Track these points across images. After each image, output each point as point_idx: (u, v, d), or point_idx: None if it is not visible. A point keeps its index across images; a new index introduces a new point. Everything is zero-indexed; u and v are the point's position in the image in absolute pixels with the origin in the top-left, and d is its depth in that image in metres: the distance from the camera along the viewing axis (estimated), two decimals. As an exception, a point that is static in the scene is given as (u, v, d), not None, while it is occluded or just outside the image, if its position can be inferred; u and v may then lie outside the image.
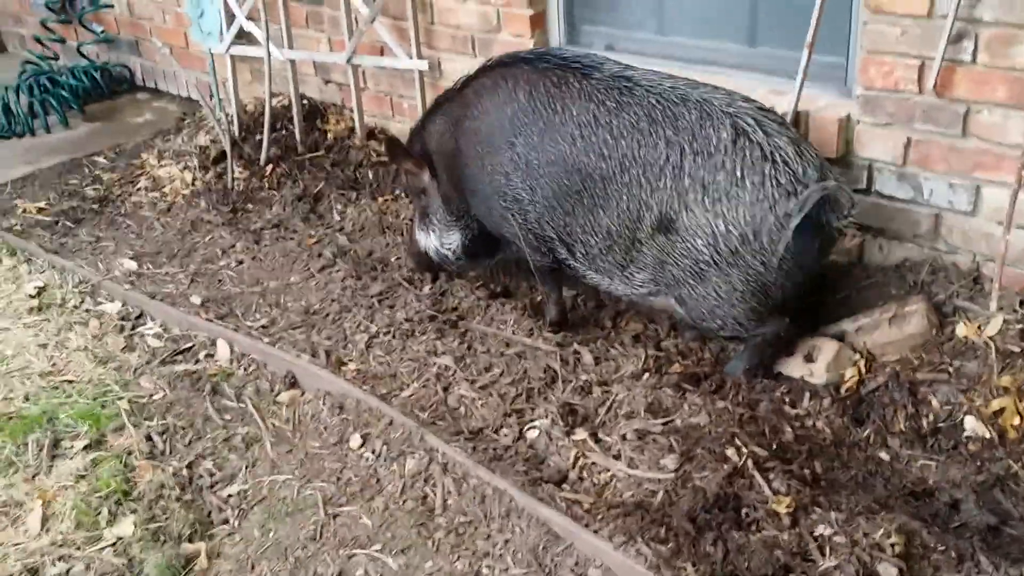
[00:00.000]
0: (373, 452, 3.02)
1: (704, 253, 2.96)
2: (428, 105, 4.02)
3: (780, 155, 2.85)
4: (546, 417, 3.04)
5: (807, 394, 3.04)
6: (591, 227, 3.18)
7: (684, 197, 2.94)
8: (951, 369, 2.95)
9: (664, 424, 2.91)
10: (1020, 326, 2.95)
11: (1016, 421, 2.76)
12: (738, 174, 2.87)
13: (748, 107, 2.96)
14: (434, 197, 3.69)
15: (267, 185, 4.74)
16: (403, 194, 4.37)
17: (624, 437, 2.89)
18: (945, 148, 3.15)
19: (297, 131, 4.93)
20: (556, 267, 3.44)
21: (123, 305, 3.89)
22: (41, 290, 4.01)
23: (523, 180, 3.28)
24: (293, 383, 3.37)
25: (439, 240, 3.73)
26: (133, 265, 4.19)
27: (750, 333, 3.11)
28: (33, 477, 3.04)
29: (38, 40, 6.46)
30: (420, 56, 4.49)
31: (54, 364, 3.55)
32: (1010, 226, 2.98)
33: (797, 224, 2.81)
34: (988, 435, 2.77)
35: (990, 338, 2.94)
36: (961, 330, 3.01)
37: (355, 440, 3.07)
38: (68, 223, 4.62)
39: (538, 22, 4.13)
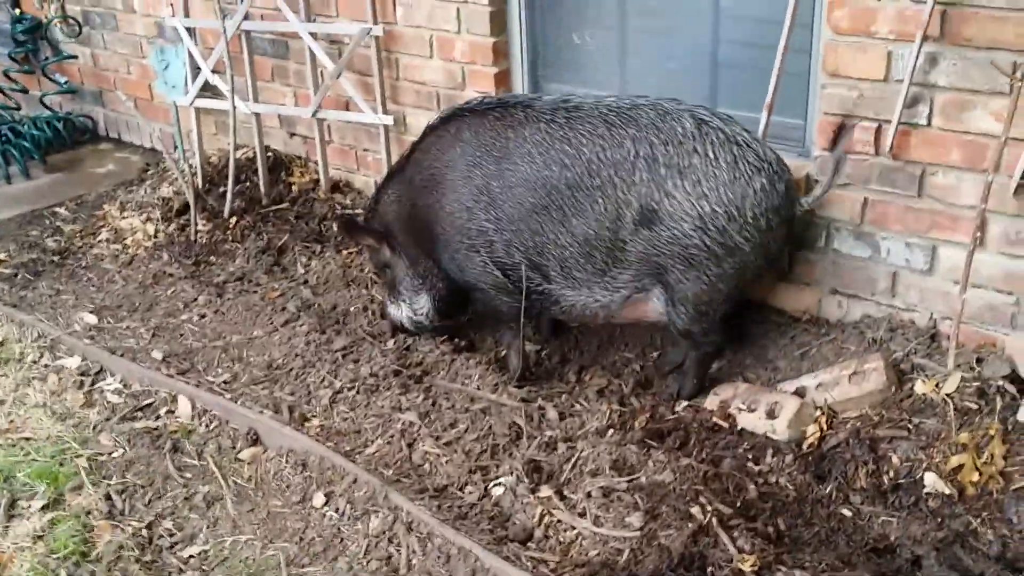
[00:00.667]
0: (337, 511, 2.99)
1: (693, 237, 3.03)
2: (390, 162, 4.09)
3: (740, 138, 3.04)
4: (511, 474, 3.03)
5: (770, 450, 3.07)
6: (565, 239, 3.21)
7: (663, 186, 3.03)
8: (911, 426, 2.99)
9: (629, 481, 2.92)
10: (977, 384, 3.00)
11: (975, 477, 2.79)
12: (711, 156, 3.00)
13: (694, 105, 3.13)
14: (398, 267, 3.72)
15: (231, 237, 4.72)
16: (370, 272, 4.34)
17: (589, 495, 2.89)
18: (902, 208, 3.23)
19: (262, 183, 4.93)
20: (520, 307, 3.44)
21: (83, 360, 3.84)
22: (-1, 344, 3.95)
23: (485, 211, 3.32)
24: (255, 440, 3.34)
25: (410, 309, 3.74)
26: (93, 319, 4.15)
27: (710, 334, 3.26)
28: (-11, 538, 2.98)
29: (0, 90, 6.43)
30: (386, 111, 4.53)
31: (12, 421, 3.49)
32: (966, 285, 3.05)
33: (775, 204, 3.01)
34: (948, 491, 2.81)
35: (948, 395, 2.99)
36: (920, 387, 3.07)
37: (318, 498, 3.04)
38: (28, 275, 4.57)
39: (502, 79, 4.19)
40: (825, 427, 3.11)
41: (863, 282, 3.41)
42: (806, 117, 3.45)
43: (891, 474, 2.93)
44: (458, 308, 3.78)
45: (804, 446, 3.08)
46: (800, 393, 3.22)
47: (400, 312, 3.78)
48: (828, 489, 2.93)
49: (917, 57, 2.98)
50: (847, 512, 2.86)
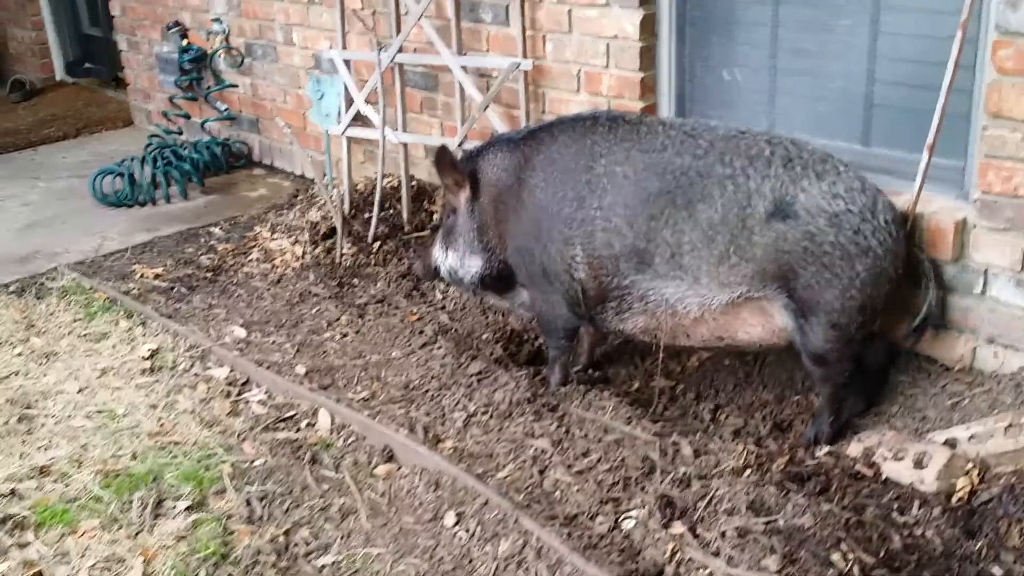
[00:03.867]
0: (467, 531, 3.00)
1: (828, 233, 3.02)
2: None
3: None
4: (643, 507, 2.99)
5: (916, 502, 2.93)
6: (685, 224, 3.20)
7: (799, 182, 3.07)
8: (1070, 485, 2.82)
9: (766, 523, 2.83)
10: None
11: None
12: (840, 168, 3.13)
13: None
14: (465, 219, 3.72)
15: (373, 261, 4.86)
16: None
17: (724, 534, 2.82)
18: (1066, 256, 3.08)
19: (404, 211, 5.06)
20: (578, 324, 3.60)
21: (231, 371, 4.00)
22: (154, 352, 4.14)
23: (600, 198, 3.33)
24: (390, 457, 3.40)
25: (459, 261, 3.76)
26: (242, 333, 4.32)
27: (844, 360, 3.21)
28: (136, 535, 3.09)
29: (165, 115, 6.82)
30: (530, 143, 4.59)
31: (162, 425, 3.65)
32: None
33: (899, 218, 3.15)
34: (1110, 558, 2.63)
35: (1113, 456, 2.82)
36: (1082, 445, 2.89)
37: (450, 518, 3.06)
38: (183, 289, 4.80)
39: (649, 113, 4.20)
40: (977, 481, 2.96)
41: (1022, 332, 3.25)
42: (966, 158, 3.33)
43: (1047, 535, 2.76)
44: (496, 289, 3.82)
45: (953, 499, 2.93)
46: (951, 444, 3.07)
47: (446, 258, 3.81)
48: (978, 545, 2.78)
49: (1091, 98, 2.85)
50: (997, 571, 2.70)
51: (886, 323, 3.43)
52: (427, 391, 3.76)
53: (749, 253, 3.13)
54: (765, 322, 3.26)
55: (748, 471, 3.12)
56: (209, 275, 4.98)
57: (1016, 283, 3.21)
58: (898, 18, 3.50)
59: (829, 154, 3.19)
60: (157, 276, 4.95)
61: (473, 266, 3.74)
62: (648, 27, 4.09)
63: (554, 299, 3.54)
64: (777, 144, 3.18)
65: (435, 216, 5.07)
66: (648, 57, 4.13)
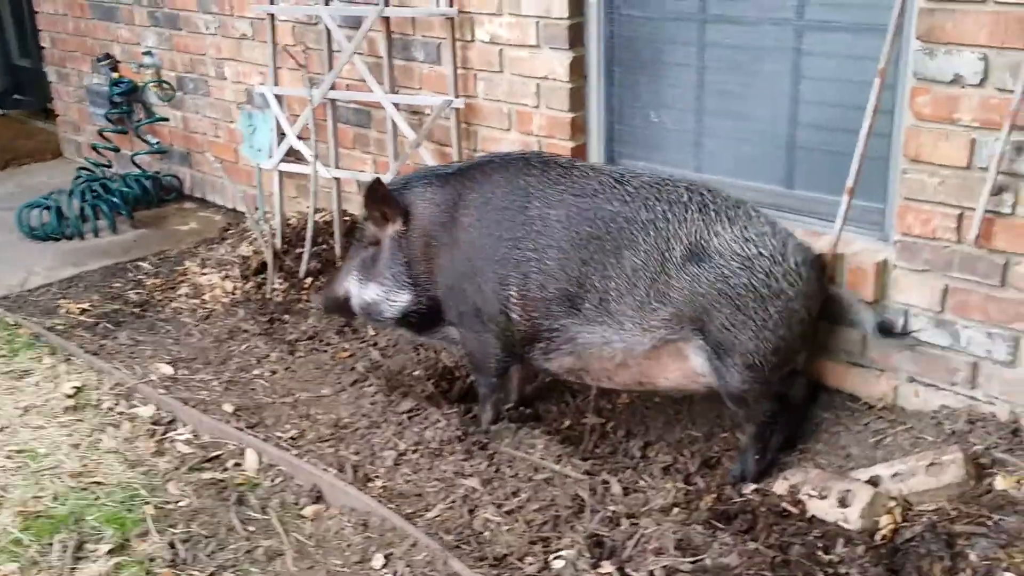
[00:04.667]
0: (395, 574, 2.97)
1: (741, 276, 3.09)
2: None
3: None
4: (572, 547, 2.99)
5: (841, 540, 2.96)
6: (613, 269, 3.26)
7: (713, 226, 3.17)
8: (990, 523, 2.87)
9: (693, 563, 2.84)
10: (1061, 482, 2.90)
11: (1057, 580, 2.68)
12: (752, 213, 3.25)
13: None
14: (393, 253, 3.66)
15: (305, 297, 4.81)
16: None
17: (652, 573, 2.83)
18: (983, 297, 3.16)
19: (337, 246, 5.03)
20: (509, 363, 3.62)
21: (156, 409, 3.92)
22: (78, 390, 4.05)
23: (535, 240, 3.37)
24: (319, 497, 3.36)
25: (385, 295, 3.68)
26: (169, 370, 4.23)
27: (763, 400, 3.26)
28: (55, 579, 3.02)
29: (95, 148, 6.71)
30: (463, 181, 4.60)
31: (85, 465, 3.56)
32: (1049, 379, 2.97)
33: (812, 258, 3.24)
34: (1028, 593, 2.69)
35: (1030, 492, 2.89)
36: (1000, 483, 2.96)
37: (378, 560, 3.03)
38: (109, 325, 4.69)
39: (578, 153, 4.24)
40: (900, 519, 3.00)
41: (942, 371, 3.33)
42: (886, 201, 3.42)
43: (968, 572, 2.79)
44: (420, 326, 3.78)
45: (877, 537, 2.97)
46: (874, 482, 3.13)
47: (365, 291, 3.73)
48: (902, 584, 2.83)
49: (1004, 146, 2.94)
50: (920, 609, 2.75)
51: (808, 360, 3.51)
52: (357, 429, 3.72)
53: (667, 296, 3.20)
54: (683, 366, 3.31)
55: (676, 509, 3.14)
56: (136, 311, 4.88)
57: (936, 323, 3.29)
58: (820, 63, 3.59)
59: (743, 200, 3.31)
60: (83, 311, 4.84)
61: (400, 301, 3.69)
62: (578, 68, 4.14)
63: (486, 338, 3.54)
64: (694, 191, 3.28)
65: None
66: (578, 98, 4.18)
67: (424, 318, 3.72)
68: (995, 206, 3.04)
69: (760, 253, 3.13)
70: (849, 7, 3.44)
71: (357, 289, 3.78)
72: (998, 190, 3.02)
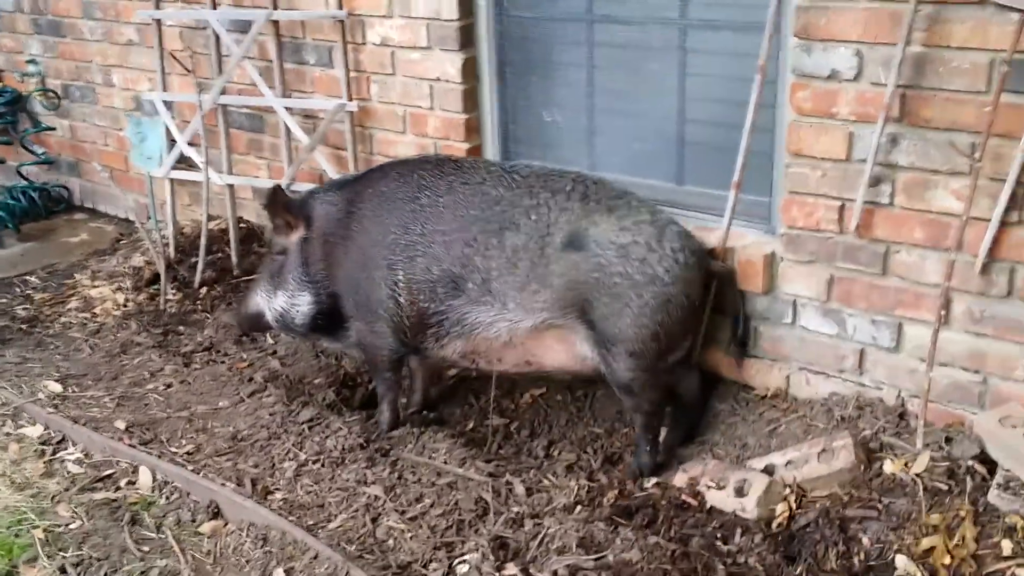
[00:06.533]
0: (296, 587, 2.92)
1: (616, 264, 3.17)
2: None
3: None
4: (477, 551, 2.97)
5: (739, 529, 3.02)
6: (495, 250, 3.33)
7: (592, 215, 3.25)
8: (880, 506, 2.95)
9: (596, 560, 2.86)
10: (946, 464, 2.98)
11: (947, 560, 2.75)
12: (634, 204, 3.34)
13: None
14: (295, 257, 3.69)
15: (200, 308, 4.70)
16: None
17: (555, 573, 2.83)
18: (866, 286, 3.25)
19: (233, 254, 4.93)
20: (401, 356, 3.66)
21: (45, 429, 3.78)
22: (-39, 412, 3.89)
23: (423, 225, 3.45)
24: (216, 513, 3.28)
25: (289, 300, 3.71)
26: (58, 388, 4.09)
27: (648, 389, 3.32)
28: (-65, 613, 2.89)
29: (-24, 160, 6.45)
30: (360, 184, 4.55)
31: (-33, 491, 3.42)
32: (932, 363, 3.06)
33: (693, 247, 3.30)
34: (919, 574, 2.76)
35: (917, 475, 2.97)
36: (889, 466, 3.05)
37: (279, 574, 2.97)
38: (-6, 343, 4.52)
39: (474, 154, 4.23)
40: (794, 506, 3.07)
41: (830, 359, 3.42)
42: (771, 195, 3.49)
43: (862, 556, 2.88)
44: (326, 330, 3.77)
45: (773, 525, 3.04)
46: (769, 471, 3.19)
47: (274, 300, 3.74)
48: (798, 570, 2.87)
49: (880, 138, 3.03)
50: (817, 594, 2.81)
51: (701, 353, 3.57)
52: (256, 441, 3.65)
53: (547, 281, 3.27)
54: (568, 348, 3.39)
55: (579, 507, 3.15)
56: (24, 327, 4.71)
57: (823, 312, 3.38)
58: (704, 60, 3.65)
59: (627, 191, 3.40)
60: (-34, 330, 4.65)
61: (303, 303, 3.68)
62: (470, 70, 4.14)
63: (379, 327, 3.55)
64: (580, 181, 3.39)
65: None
66: (471, 99, 4.18)
67: (329, 319, 3.70)
68: (874, 197, 3.13)
69: (635, 241, 3.20)
70: (730, 6, 3.50)
71: (268, 300, 3.77)
72: (875, 181, 3.11)
